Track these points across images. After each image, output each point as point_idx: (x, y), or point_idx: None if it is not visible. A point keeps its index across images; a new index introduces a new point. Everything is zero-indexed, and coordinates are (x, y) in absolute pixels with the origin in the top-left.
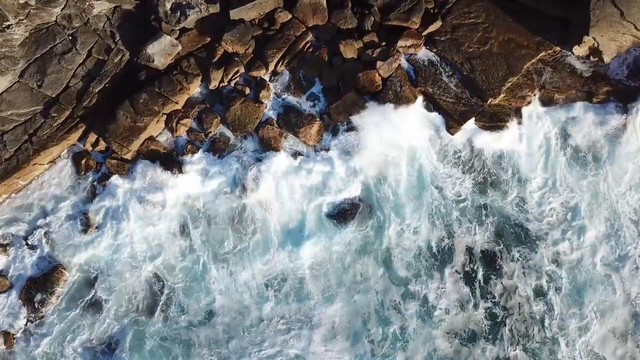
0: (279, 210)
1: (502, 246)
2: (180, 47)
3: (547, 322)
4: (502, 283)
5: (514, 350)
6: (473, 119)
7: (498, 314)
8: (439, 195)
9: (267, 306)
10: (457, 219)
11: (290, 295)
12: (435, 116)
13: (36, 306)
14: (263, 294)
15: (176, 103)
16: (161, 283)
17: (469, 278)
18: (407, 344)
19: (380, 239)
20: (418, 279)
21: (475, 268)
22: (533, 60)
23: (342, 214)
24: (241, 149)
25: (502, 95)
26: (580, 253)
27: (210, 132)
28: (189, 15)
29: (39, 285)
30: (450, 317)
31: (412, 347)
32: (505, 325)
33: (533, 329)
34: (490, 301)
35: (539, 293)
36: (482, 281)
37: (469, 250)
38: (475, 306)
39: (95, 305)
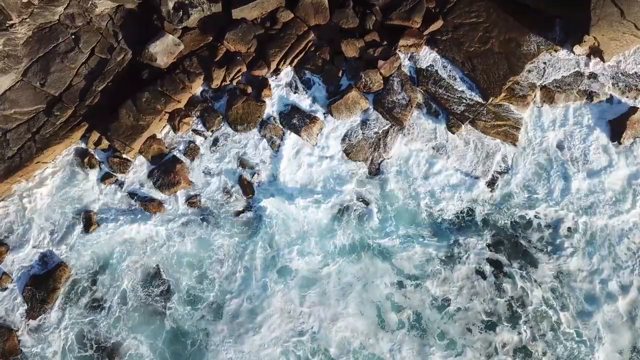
0: None
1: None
2: (182, 46)
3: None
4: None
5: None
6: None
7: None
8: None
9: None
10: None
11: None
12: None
13: (39, 303)
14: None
15: (178, 102)
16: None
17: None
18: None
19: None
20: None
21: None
22: (534, 60)
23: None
24: None
25: (502, 94)
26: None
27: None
28: (191, 14)
29: (41, 282)
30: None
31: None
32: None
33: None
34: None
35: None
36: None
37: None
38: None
39: (98, 302)
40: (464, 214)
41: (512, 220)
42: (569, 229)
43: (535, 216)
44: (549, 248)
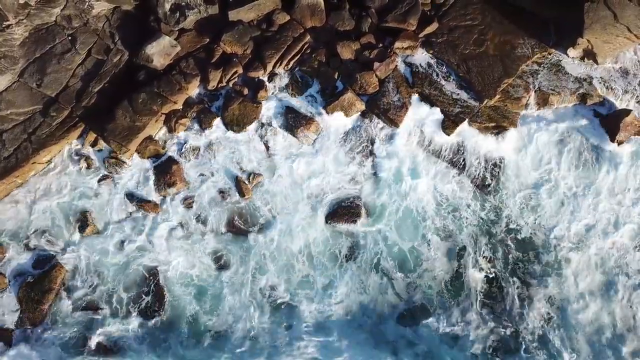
0: None
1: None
2: (179, 48)
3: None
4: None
5: None
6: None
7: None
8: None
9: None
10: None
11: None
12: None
13: (34, 304)
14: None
15: (175, 103)
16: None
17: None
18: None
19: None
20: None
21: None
22: (528, 62)
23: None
24: None
25: (497, 97)
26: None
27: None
28: (188, 16)
29: (37, 283)
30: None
31: None
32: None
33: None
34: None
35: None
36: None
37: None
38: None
39: (93, 306)
40: (459, 216)
41: (507, 223)
42: (568, 230)
43: (531, 218)
44: (546, 254)
